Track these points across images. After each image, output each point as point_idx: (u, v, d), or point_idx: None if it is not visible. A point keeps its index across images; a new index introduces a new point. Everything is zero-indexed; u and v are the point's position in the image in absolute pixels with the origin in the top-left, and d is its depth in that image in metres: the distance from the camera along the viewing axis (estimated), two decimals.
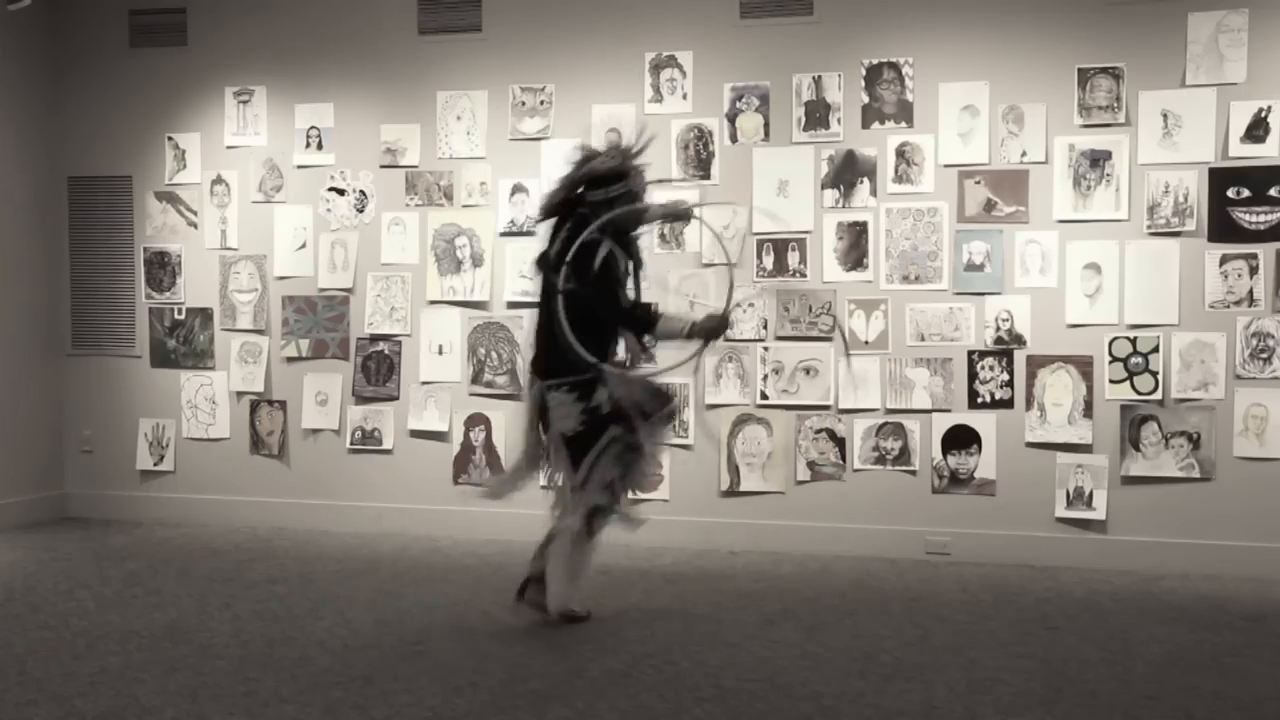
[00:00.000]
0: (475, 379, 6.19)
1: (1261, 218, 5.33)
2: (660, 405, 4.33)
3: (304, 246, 6.43)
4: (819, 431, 5.77)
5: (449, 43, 6.23)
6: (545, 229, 4.51)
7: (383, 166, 6.32)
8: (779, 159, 5.82)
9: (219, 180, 6.55)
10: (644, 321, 4.32)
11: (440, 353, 6.24)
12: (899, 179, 5.70)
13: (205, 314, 6.57)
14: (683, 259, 5.87)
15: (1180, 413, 5.41)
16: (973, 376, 5.61)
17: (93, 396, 6.79)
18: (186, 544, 6.02)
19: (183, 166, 6.61)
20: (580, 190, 4.39)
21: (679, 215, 4.72)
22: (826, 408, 5.77)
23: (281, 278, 6.46)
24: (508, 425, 6.14)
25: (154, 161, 6.66)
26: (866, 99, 5.75)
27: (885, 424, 5.72)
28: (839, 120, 5.78)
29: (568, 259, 4.19)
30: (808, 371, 5.78)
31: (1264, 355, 5.33)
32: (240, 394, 6.54)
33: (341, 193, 6.38)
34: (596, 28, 6.07)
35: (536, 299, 4.51)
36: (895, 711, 3.54)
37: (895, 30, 5.73)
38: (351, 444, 6.38)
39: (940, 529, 5.64)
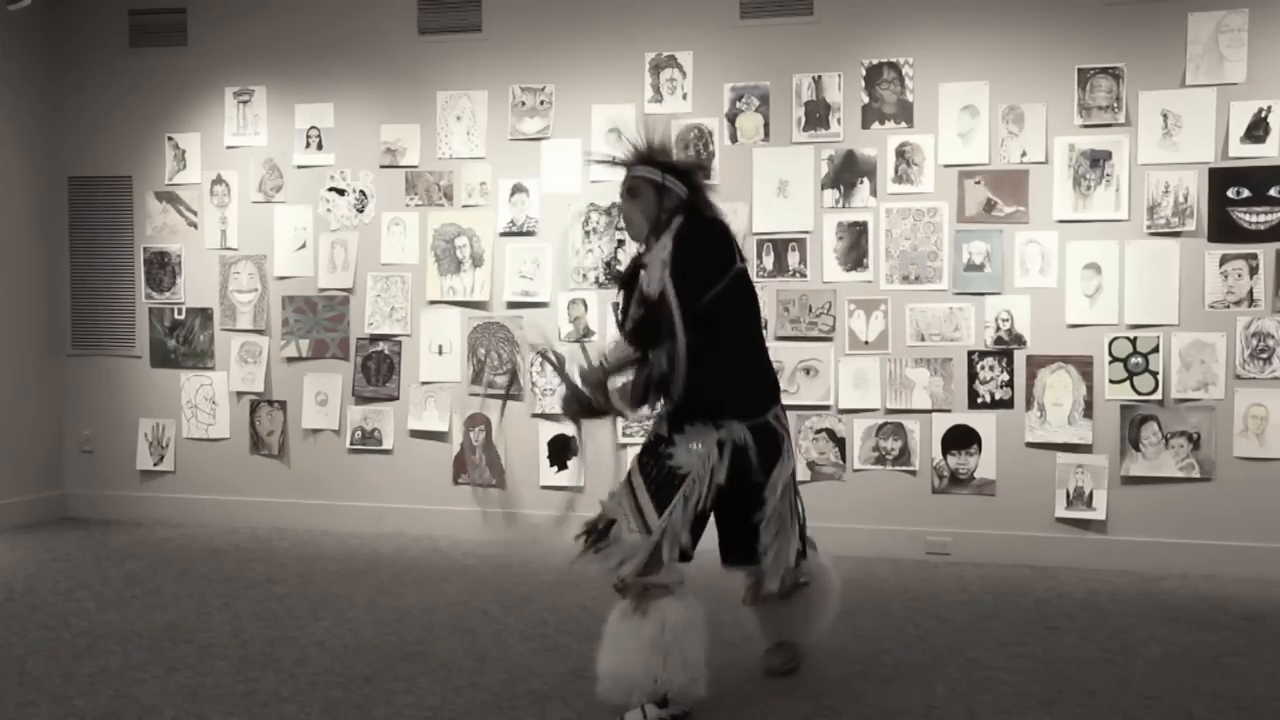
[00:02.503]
0: (475, 379, 6.20)
1: (1261, 218, 5.33)
2: None
3: (304, 246, 6.43)
4: (819, 431, 5.77)
5: (449, 43, 6.24)
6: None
7: (383, 166, 6.32)
8: (779, 159, 5.82)
9: (219, 180, 6.56)
10: None
11: (440, 353, 6.24)
12: (899, 179, 5.70)
13: (205, 314, 6.58)
14: None
15: (1180, 413, 5.41)
16: (973, 376, 5.61)
17: (93, 396, 6.79)
18: (186, 544, 6.02)
19: (183, 166, 6.62)
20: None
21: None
22: (826, 408, 5.77)
23: (281, 278, 6.46)
24: (508, 425, 6.15)
25: (154, 161, 6.66)
26: (866, 99, 5.75)
27: (885, 424, 5.72)
28: (839, 120, 5.78)
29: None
30: (808, 371, 5.78)
31: (1264, 355, 5.33)
32: (240, 394, 6.54)
33: (341, 193, 6.38)
34: (596, 28, 6.07)
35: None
36: (895, 711, 3.54)
37: (895, 30, 5.73)
38: (351, 444, 6.38)
39: (940, 529, 5.64)
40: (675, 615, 3.26)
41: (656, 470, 3.34)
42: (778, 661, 3.88)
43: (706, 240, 3.39)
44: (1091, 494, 5.48)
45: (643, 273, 3.39)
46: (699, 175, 3.58)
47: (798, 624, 3.87)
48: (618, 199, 3.59)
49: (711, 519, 3.51)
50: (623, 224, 3.62)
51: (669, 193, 3.46)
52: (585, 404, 3.50)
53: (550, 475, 6.10)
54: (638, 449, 3.55)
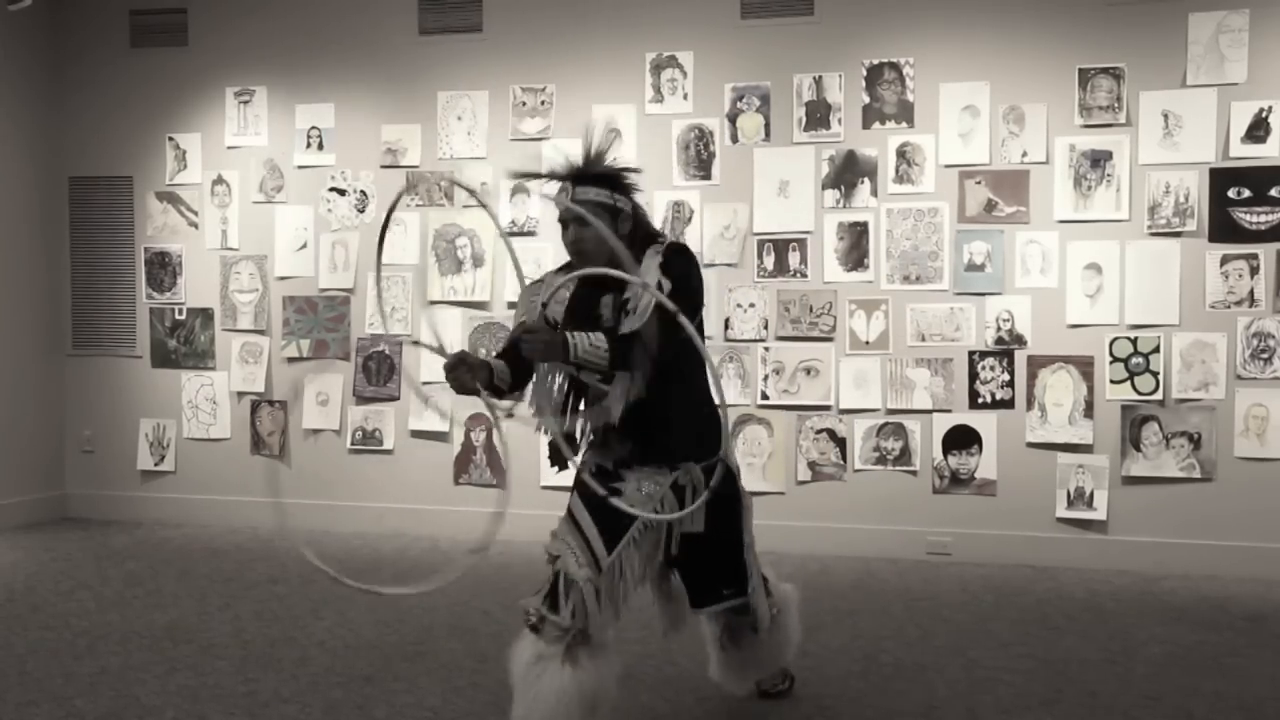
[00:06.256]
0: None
1: (1262, 218, 5.33)
2: None
3: (305, 247, 6.43)
4: (819, 432, 5.77)
5: (449, 43, 6.24)
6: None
7: (384, 167, 6.32)
8: (780, 159, 5.82)
9: (220, 180, 6.56)
10: None
11: (441, 353, 6.23)
12: (900, 179, 5.70)
13: (206, 314, 6.58)
14: None
15: (1181, 413, 5.41)
16: (973, 377, 5.61)
17: (93, 396, 6.79)
18: (187, 544, 6.02)
19: (183, 167, 6.62)
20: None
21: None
22: (827, 408, 5.77)
23: (282, 278, 6.46)
24: (508, 425, 6.13)
25: (155, 162, 6.66)
26: (867, 99, 5.75)
27: (886, 424, 5.72)
28: (840, 120, 5.78)
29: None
30: (808, 372, 5.78)
31: (1264, 355, 5.33)
32: (241, 394, 6.54)
33: (342, 193, 6.38)
34: (596, 28, 6.07)
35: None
36: (895, 711, 3.54)
37: (896, 30, 5.73)
38: (352, 444, 6.38)
39: (941, 529, 5.64)
40: (609, 670, 2.90)
41: (602, 505, 2.95)
42: (769, 683, 3.65)
43: (695, 270, 2.99)
44: (1092, 494, 5.48)
45: (605, 299, 2.97)
46: (633, 179, 3.07)
47: (774, 653, 3.48)
48: (561, 221, 3.07)
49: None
50: (576, 251, 3.02)
51: (623, 215, 3.00)
52: (473, 376, 3.06)
53: (551, 475, 6.08)
54: (575, 481, 3.20)
